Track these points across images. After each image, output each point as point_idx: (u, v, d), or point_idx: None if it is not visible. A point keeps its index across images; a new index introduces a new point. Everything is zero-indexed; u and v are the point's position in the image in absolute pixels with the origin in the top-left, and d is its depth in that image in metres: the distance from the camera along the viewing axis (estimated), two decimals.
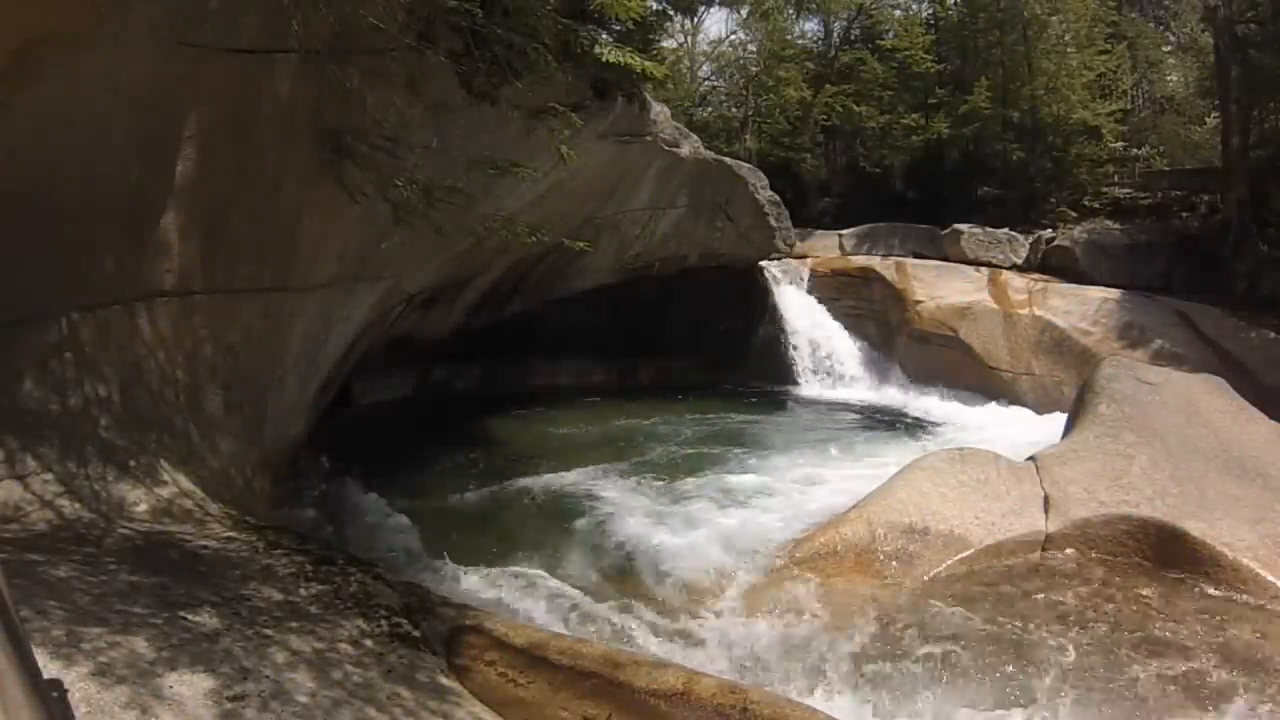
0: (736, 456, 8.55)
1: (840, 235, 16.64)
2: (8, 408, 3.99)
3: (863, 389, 13.02)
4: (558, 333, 12.46)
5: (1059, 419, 7.96)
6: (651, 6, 8.92)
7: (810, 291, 14.16)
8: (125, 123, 4.18)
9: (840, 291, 14.08)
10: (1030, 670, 4.11)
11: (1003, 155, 17.59)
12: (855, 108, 19.59)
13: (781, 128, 20.85)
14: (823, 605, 4.78)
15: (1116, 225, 15.11)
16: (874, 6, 21.39)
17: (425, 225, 5.10)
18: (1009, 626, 4.53)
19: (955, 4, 20.45)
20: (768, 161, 18.80)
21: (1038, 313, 12.31)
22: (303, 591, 3.64)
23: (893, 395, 12.61)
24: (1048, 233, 15.19)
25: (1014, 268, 14.34)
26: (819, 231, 17.08)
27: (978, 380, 12.16)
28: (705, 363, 13.54)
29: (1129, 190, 16.54)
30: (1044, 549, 5.31)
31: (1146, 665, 4.12)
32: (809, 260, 14.90)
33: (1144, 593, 4.83)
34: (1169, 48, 21.15)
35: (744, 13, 21.05)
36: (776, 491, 7.11)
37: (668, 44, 20.54)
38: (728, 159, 13.57)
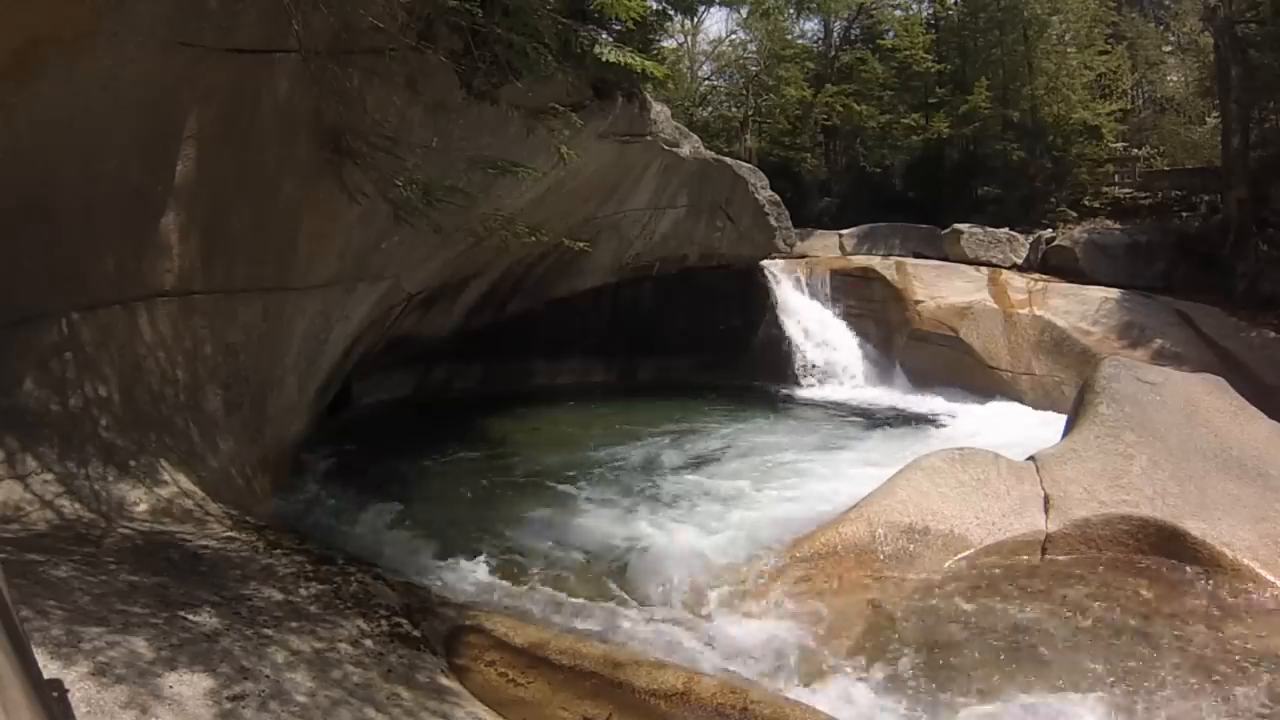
0: (736, 456, 8.55)
1: (840, 235, 16.67)
2: (8, 408, 4.00)
3: (863, 389, 13.01)
4: (558, 333, 12.44)
5: (1059, 418, 7.95)
6: (651, 6, 8.90)
7: (818, 289, 14.12)
8: (125, 123, 4.19)
9: (840, 291, 14.07)
10: (1030, 669, 4.11)
11: (1003, 155, 17.59)
12: (855, 107, 19.60)
13: (782, 127, 20.86)
14: (822, 605, 4.77)
15: (1116, 225, 15.13)
16: (874, 6, 21.39)
17: (425, 225, 5.10)
18: (1009, 626, 4.53)
19: (955, 4, 20.46)
20: (768, 161, 18.82)
21: (1038, 312, 12.31)
22: (303, 591, 3.64)
23: (893, 395, 12.59)
24: (1048, 233, 15.20)
25: (1014, 267, 14.34)
26: (819, 231, 17.11)
27: (978, 380, 12.16)
28: (705, 362, 13.53)
29: (1129, 190, 16.58)
30: (1044, 549, 5.31)
31: (1147, 665, 4.12)
32: (808, 260, 14.88)
33: (1144, 592, 4.82)
34: (1169, 48, 21.14)
35: (744, 12, 21.03)
36: (776, 491, 7.11)
37: (668, 44, 20.59)
38: (728, 159, 13.57)
